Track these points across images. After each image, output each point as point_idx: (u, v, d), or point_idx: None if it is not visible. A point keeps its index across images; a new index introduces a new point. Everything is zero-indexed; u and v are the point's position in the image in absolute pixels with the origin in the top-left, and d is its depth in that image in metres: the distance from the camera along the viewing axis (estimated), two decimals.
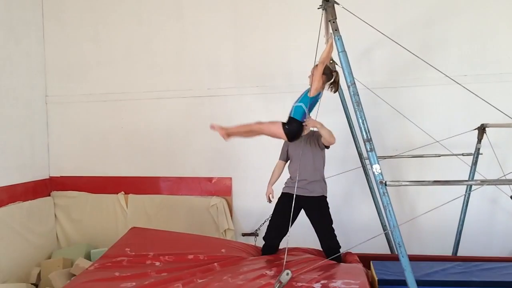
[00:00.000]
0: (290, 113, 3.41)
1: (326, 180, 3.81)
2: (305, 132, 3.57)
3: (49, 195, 5.66)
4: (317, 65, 3.38)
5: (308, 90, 3.38)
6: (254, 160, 5.05)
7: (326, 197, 3.77)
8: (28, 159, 5.38)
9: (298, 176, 3.63)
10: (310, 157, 3.68)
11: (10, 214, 4.88)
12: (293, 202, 3.28)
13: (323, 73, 3.35)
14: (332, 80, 3.53)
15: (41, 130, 5.65)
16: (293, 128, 3.37)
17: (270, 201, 3.90)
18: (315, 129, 3.60)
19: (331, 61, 4.29)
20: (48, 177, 5.71)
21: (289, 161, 3.92)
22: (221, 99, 5.13)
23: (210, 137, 5.32)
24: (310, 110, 3.42)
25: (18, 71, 5.25)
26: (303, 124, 3.39)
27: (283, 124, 3.38)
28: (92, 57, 5.62)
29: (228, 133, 3.56)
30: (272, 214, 3.87)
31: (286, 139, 3.47)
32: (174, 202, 5.36)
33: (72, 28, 5.65)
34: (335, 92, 3.62)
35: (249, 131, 3.56)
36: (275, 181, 3.93)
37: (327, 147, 3.72)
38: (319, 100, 3.46)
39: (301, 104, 3.36)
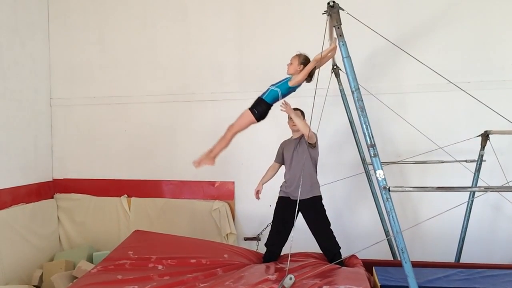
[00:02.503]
0: (263, 95, 3.50)
1: (327, 186, 3.81)
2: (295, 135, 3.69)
3: (52, 197, 5.67)
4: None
5: (289, 79, 3.44)
6: (257, 164, 5.02)
7: (321, 198, 3.78)
8: (32, 161, 5.40)
9: (290, 179, 3.77)
10: (301, 160, 3.69)
11: (13, 216, 4.89)
12: (297, 207, 3.24)
13: (303, 65, 3.39)
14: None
15: (45, 132, 5.66)
16: (262, 110, 3.50)
17: (258, 197, 3.98)
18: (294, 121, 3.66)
19: (335, 67, 4.32)
20: (51, 180, 5.73)
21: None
22: (224, 103, 5.13)
23: (213, 140, 5.34)
24: (284, 97, 3.53)
25: (23, 74, 5.28)
26: (281, 108, 3.58)
27: (252, 111, 3.50)
28: (97, 60, 5.64)
29: (214, 157, 3.68)
30: (272, 220, 3.90)
31: (256, 122, 3.55)
32: (177, 206, 5.36)
33: (77, 31, 5.68)
34: (308, 82, 3.56)
35: (228, 142, 3.65)
36: (267, 181, 4.03)
37: (313, 146, 3.71)
38: (296, 90, 3.52)
39: (277, 89, 3.45)
